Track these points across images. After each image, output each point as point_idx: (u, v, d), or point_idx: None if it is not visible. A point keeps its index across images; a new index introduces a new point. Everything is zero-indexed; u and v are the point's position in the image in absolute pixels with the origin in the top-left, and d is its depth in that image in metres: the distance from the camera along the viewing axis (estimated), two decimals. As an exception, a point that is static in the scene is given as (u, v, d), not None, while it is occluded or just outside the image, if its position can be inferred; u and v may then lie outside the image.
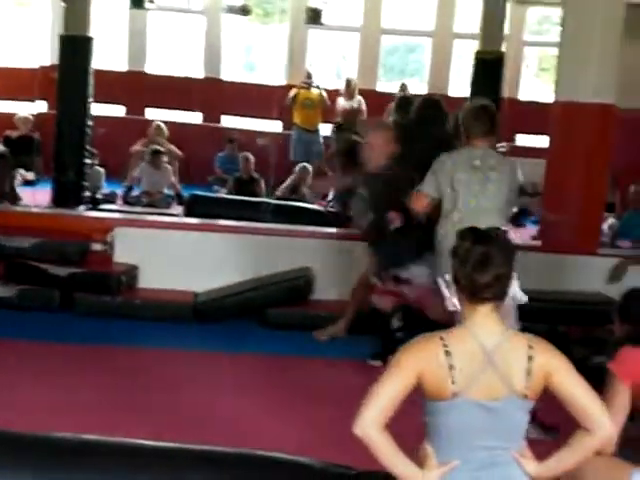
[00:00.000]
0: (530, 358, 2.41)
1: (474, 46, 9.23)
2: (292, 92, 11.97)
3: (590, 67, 6.41)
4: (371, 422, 2.37)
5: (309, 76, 12.25)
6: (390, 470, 2.42)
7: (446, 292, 3.21)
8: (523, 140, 13.05)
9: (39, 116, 11.26)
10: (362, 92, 12.41)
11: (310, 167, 10.50)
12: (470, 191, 4.60)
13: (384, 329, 5.36)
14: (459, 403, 2.38)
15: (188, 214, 8.16)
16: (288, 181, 10.38)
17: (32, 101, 10.53)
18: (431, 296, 4.70)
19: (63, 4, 8.83)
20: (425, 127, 5.91)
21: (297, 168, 10.51)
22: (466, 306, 2.47)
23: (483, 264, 2.40)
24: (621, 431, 2.97)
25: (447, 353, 2.38)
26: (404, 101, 7.26)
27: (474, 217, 4.37)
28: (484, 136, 4.68)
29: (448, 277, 2.63)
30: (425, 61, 14.90)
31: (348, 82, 12.34)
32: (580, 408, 2.42)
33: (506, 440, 2.45)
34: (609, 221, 8.59)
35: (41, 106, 11.45)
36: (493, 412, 2.40)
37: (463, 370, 2.38)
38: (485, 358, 2.40)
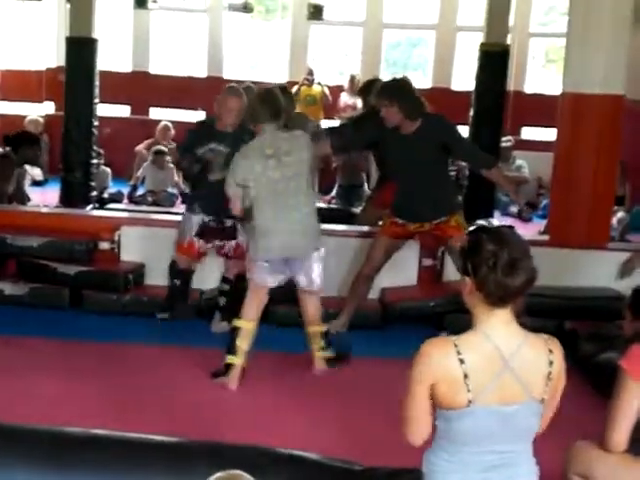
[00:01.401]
0: (551, 363, 2.39)
1: (478, 39, 9.17)
2: (294, 89, 11.96)
3: (598, 57, 6.38)
4: (423, 436, 2.43)
5: (311, 72, 12.23)
6: None
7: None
8: (529, 133, 13.01)
9: (47, 117, 11.28)
10: (365, 87, 12.37)
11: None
12: (271, 181, 4.83)
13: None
14: (474, 410, 2.34)
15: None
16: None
17: (40, 102, 10.54)
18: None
19: (68, 5, 8.83)
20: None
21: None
22: (482, 308, 2.39)
23: (514, 268, 2.33)
24: (633, 427, 2.96)
25: (461, 361, 2.32)
26: (368, 84, 7.24)
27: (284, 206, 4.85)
28: (272, 120, 4.85)
29: None
30: (428, 55, 14.86)
31: (352, 78, 12.32)
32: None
33: (517, 443, 2.43)
34: (618, 215, 8.52)
35: (48, 107, 11.47)
36: (508, 417, 2.36)
37: (478, 377, 2.33)
38: (502, 362, 2.35)
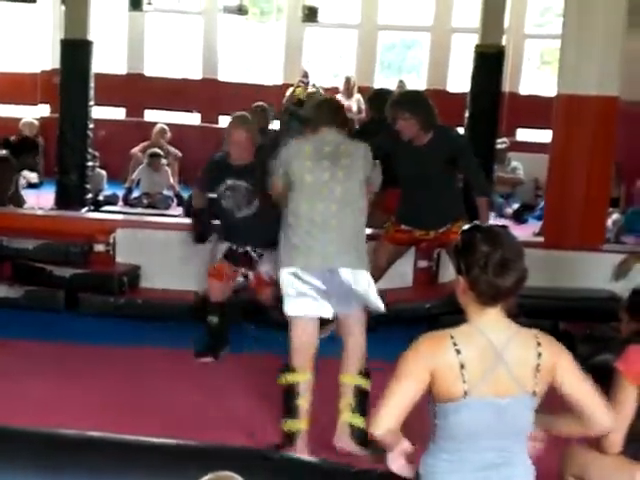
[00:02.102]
0: (539, 355, 2.42)
1: (473, 40, 9.18)
2: (289, 91, 11.96)
3: (593, 59, 6.40)
4: (389, 428, 2.40)
5: (306, 75, 12.24)
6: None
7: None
8: (524, 135, 13.04)
9: (42, 120, 11.27)
10: (360, 89, 12.40)
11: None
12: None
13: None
14: (470, 402, 2.38)
15: (187, 215, 8.21)
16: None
17: (35, 105, 10.54)
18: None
19: (63, 7, 8.82)
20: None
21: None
22: (474, 306, 2.44)
23: (505, 268, 2.38)
24: (628, 429, 2.96)
25: (458, 351, 2.38)
26: (376, 95, 7.23)
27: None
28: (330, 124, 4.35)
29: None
30: (423, 57, 14.87)
31: (347, 80, 12.34)
32: (582, 406, 2.45)
33: (513, 439, 2.45)
34: (613, 216, 8.54)
35: (43, 110, 11.46)
36: (502, 410, 2.39)
37: (474, 368, 2.37)
38: (495, 355, 2.39)
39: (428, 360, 2.39)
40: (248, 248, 5.42)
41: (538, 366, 2.41)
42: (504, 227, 2.55)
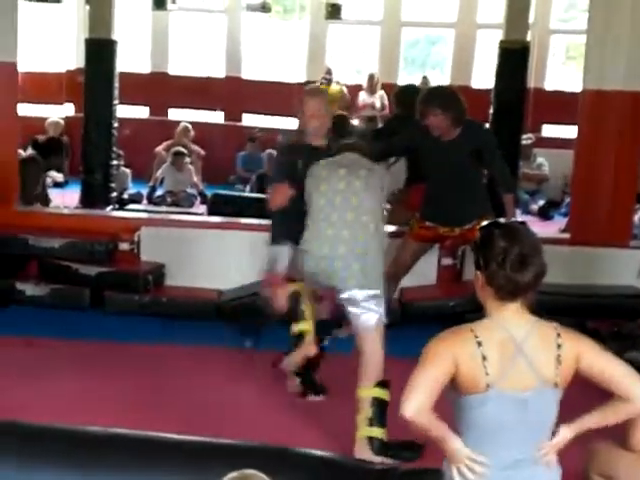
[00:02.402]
0: (559, 346, 2.41)
1: (498, 36, 9.12)
2: (313, 88, 11.95)
3: (619, 54, 6.34)
4: (419, 408, 2.37)
5: (329, 72, 12.24)
6: (441, 444, 2.45)
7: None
8: (550, 131, 12.95)
9: (66, 119, 11.36)
10: (383, 86, 12.37)
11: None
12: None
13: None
14: (492, 395, 2.37)
15: (211, 213, 8.25)
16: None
17: (60, 104, 10.62)
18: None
19: (88, 7, 8.89)
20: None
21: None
22: (494, 302, 2.45)
23: (523, 264, 2.39)
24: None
25: (479, 344, 2.38)
26: (404, 91, 7.22)
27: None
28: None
29: None
30: (447, 53, 14.81)
31: (371, 77, 12.31)
32: (615, 382, 2.42)
33: (536, 434, 2.44)
34: (640, 213, 8.47)
35: (68, 109, 11.54)
36: (524, 403, 2.39)
37: (495, 361, 2.38)
38: (515, 348, 2.39)
39: (451, 350, 2.39)
40: None
41: (559, 357, 2.40)
42: (523, 223, 2.56)
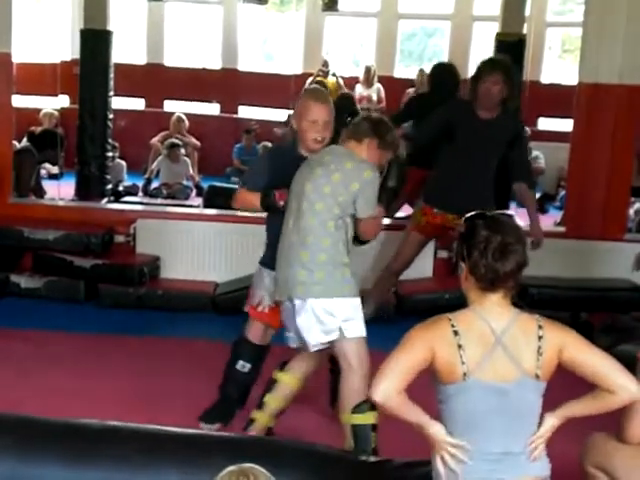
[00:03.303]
0: (540, 337, 2.42)
1: (494, 28, 9.11)
2: (308, 80, 11.93)
3: (615, 47, 6.33)
4: (388, 392, 2.39)
5: (326, 64, 12.21)
6: (411, 423, 2.47)
7: None
8: (546, 124, 12.94)
9: (61, 111, 11.32)
10: (380, 78, 12.35)
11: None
12: None
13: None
14: (470, 385, 2.39)
15: (207, 205, 8.24)
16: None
17: (55, 96, 10.57)
18: None
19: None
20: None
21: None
22: (475, 292, 2.48)
23: (504, 253, 2.42)
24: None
25: (455, 333, 2.41)
26: (440, 69, 7.41)
27: None
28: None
29: None
30: (444, 45, 14.80)
31: (367, 69, 12.28)
32: (599, 374, 2.42)
33: (520, 425, 2.45)
34: (635, 206, 8.47)
35: (63, 101, 11.50)
36: (505, 394, 2.40)
37: (472, 351, 2.39)
38: (494, 340, 2.41)
39: (427, 338, 2.42)
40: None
41: (539, 349, 2.42)
42: (509, 215, 2.58)
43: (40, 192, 8.22)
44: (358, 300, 3.70)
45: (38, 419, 3.23)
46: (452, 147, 5.33)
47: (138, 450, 3.08)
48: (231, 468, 2.25)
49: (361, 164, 3.66)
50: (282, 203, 3.85)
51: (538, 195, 10.70)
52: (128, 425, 3.25)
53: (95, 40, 8.61)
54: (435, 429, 2.43)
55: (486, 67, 5.13)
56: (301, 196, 3.68)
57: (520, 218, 2.70)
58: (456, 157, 5.30)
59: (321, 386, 4.85)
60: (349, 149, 3.73)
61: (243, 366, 4.24)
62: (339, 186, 3.61)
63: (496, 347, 2.40)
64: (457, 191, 5.21)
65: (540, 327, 2.44)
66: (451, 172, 5.33)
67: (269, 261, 3.97)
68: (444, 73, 7.17)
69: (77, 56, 9.16)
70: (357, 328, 3.65)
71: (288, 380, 3.93)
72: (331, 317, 3.60)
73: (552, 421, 2.47)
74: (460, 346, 2.38)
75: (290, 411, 4.37)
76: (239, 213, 6.95)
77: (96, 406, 4.38)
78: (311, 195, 3.64)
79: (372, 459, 3.24)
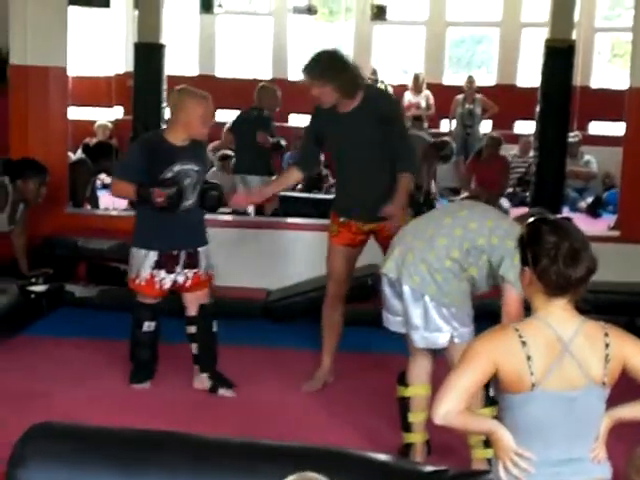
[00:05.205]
0: (607, 345, 2.40)
1: (543, 34, 9.06)
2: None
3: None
4: (450, 416, 2.36)
5: (374, 72, 12.24)
6: (489, 436, 2.45)
7: None
8: (597, 128, 12.80)
9: (116, 122, 11.54)
10: (429, 85, 12.35)
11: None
12: None
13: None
14: (538, 395, 2.36)
15: (258, 213, 8.31)
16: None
17: (109, 107, 10.79)
18: None
19: (136, 12, 9.03)
20: None
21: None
22: (541, 298, 2.44)
23: (575, 259, 2.38)
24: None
25: (523, 344, 2.37)
26: None
27: None
28: None
29: None
30: (493, 52, 14.74)
31: (416, 77, 12.30)
32: None
33: (585, 432, 2.42)
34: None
35: (118, 112, 11.72)
36: (572, 403, 2.37)
37: (540, 360, 2.36)
38: (562, 348, 2.38)
39: (492, 352, 2.38)
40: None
41: (607, 357, 2.39)
42: (568, 219, 2.56)
43: (95, 202, 8.37)
44: None
45: (91, 428, 3.25)
46: (332, 154, 4.89)
47: (188, 458, 3.07)
48: (293, 477, 2.26)
49: None
50: (159, 200, 4.44)
51: (590, 199, 10.63)
52: (183, 433, 3.26)
53: (148, 53, 8.79)
54: (503, 435, 2.39)
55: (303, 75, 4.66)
56: None
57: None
58: (337, 162, 4.84)
59: (378, 396, 4.82)
60: None
61: (149, 326, 4.84)
62: None
63: (564, 355, 2.37)
64: (352, 198, 4.66)
65: (606, 334, 2.41)
66: (340, 179, 4.88)
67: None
68: None
69: (131, 69, 9.36)
70: None
71: (419, 391, 3.92)
72: None
73: (606, 422, 2.46)
74: (529, 357, 2.35)
75: (340, 422, 4.37)
76: (290, 220, 7.04)
77: (151, 414, 4.42)
78: None
79: (429, 468, 3.22)
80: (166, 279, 4.69)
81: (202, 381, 4.85)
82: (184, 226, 4.65)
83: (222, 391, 4.80)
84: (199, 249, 4.74)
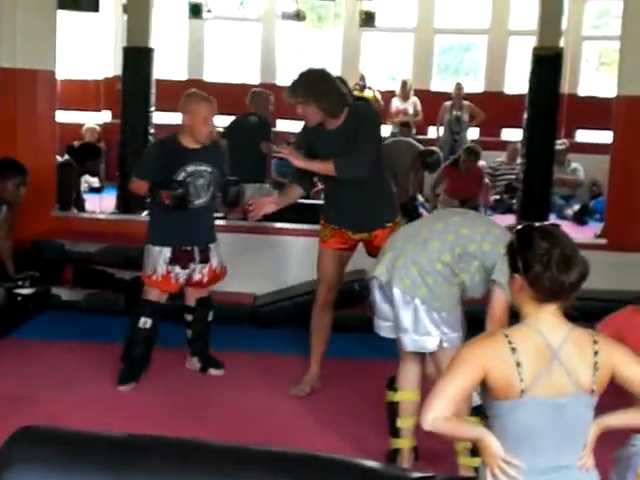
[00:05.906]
0: (596, 353, 2.40)
1: (531, 42, 9.11)
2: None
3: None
4: (437, 422, 2.36)
5: (362, 78, 12.28)
6: (477, 443, 2.44)
7: None
8: (584, 136, 12.87)
9: (104, 126, 11.51)
10: (416, 92, 12.39)
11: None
12: None
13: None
14: (527, 401, 2.36)
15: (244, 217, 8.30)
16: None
17: (97, 111, 10.76)
18: None
19: (125, 16, 9.02)
20: None
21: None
22: (531, 305, 2.44)
23: (568, 265, 2.39)
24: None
25: (513, 350, 2.37)
26: None
27: None
28: None
29: None
30: (480, 59, 14.80)
31: (404, 83, 12.34)
32: None
33: (571, 439, 2.43)
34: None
35: (106, 116, 11.69)
36: (560, 410, 2.38)
37: (530, 367, 2.36)
38: (551, 355, 2.38)
39: (481, 357, 2.38)
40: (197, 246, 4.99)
41: (596, 364, 2.40)
42: (556, 225, 2.57)
43: (81, 205, 8.33)
44: None
45: (76, 432, 3.22)
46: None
47: (179, 463, 3.06)
48: None
49: None
50: (166, 201, 4.72)
51: (577, 207, 10.68)
52: (168, 437, 3.25)
53: (137, 57, 8.77)
54: (491, 442, 2.37)
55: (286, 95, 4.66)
56: None
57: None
58: (324, 178, 4.86)
59: (371, 403, 4.84)
60: None
61: (145, 322, 4.92)
62: None
63: (553, 362, 2.37)
64: (341, 213, 4.74)
65: (595, 342, 2.42)
66: (328, 194, 4.95)
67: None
68: None
69: (120, 73, 9.32)
70: None
71: (408, 396, 3.94)
72: None
73: (594, 430, 2.46)
74: (519, 364, 2.35)
75: (329, 427, 4.38)
76: (279, 225, 7.02)
77: (137, 418, 4.43)
78: None
79: (416, 475, 3.21)
80: (180, 274, 4.95)
81: (193, 363, 5.21)
82: (196, 224, 4.93)
83: (212, 371, 5.16)
84: (210, 245, 5.04)
